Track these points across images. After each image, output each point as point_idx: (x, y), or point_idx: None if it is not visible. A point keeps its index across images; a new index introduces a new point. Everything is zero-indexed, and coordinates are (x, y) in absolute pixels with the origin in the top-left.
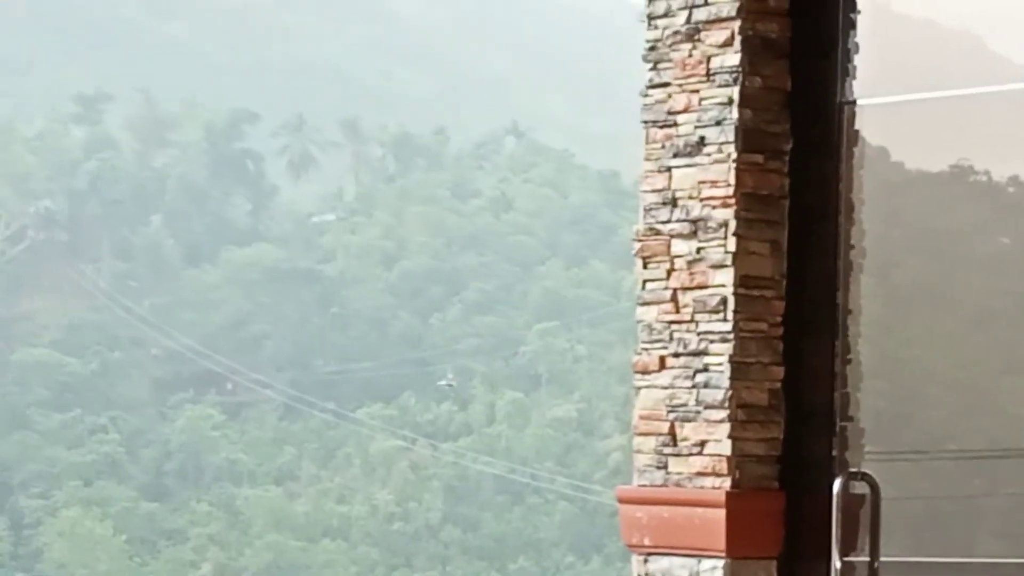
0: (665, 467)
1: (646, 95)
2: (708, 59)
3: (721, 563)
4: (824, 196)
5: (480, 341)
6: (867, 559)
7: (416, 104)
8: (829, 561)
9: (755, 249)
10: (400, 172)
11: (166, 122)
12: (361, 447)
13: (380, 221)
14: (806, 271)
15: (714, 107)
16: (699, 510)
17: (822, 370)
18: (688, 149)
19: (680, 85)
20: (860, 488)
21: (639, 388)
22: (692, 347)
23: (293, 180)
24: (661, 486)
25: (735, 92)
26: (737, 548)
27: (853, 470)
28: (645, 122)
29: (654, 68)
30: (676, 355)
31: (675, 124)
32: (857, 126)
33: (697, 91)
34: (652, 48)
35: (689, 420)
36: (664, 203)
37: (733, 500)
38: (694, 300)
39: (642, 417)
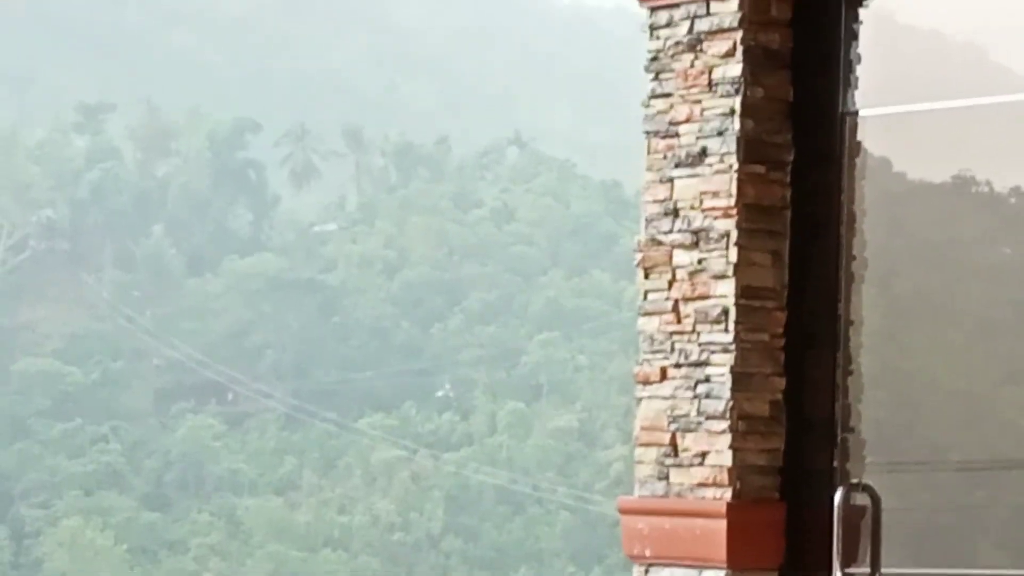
0: (666, 478)
1: (648, 105)
2: (710, 70)
3: (722, 574)
4: (826, 207)
5: (481, 351)
6: (868, 570)
7: (418, 114)
8: (830, 572)
9: (756, 260)
10: (402, 182)
11: (168, 132)
12: (362, 457)
13: (382, 231)
14: (808, 282)
15: (716, 117)
16: (700, 521)
17: (823, 381)
18: (690, 159)
19: (682, 95)
20: (861, 499)
21: (640, 398)
22: (693, 358)
23: (295, 190)
24: (662, 497)
25: (737, 103)
26: (738, 559)
27: (854, 481)
28: (647, 132)
29: (656, 78)
30: (677, 366)
31: (677, 134)
32: (859, 137)
33: (699, 101)
34: (654, 58)
35: (690, 431)
36: (666, 213)
37: (734, 511)
38: (695, 311)
39: (643, 428)
